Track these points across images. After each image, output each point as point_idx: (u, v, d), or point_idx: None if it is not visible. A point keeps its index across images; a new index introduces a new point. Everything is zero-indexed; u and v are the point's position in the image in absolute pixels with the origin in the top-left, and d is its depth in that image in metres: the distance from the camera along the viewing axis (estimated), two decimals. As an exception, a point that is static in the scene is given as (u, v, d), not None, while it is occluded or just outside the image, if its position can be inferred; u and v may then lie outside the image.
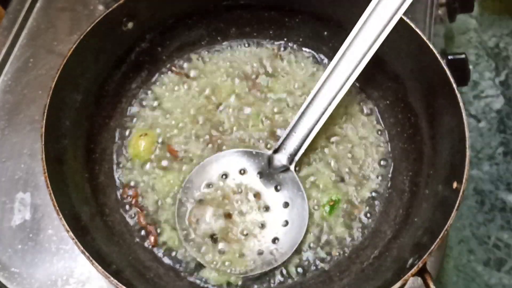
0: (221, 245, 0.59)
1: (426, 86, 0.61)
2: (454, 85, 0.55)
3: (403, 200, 0.62)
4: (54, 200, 0.50)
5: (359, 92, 0.68)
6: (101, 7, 0.75)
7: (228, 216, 0.60)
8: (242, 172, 0.62)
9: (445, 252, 0.65)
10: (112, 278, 0.48)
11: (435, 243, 0.49)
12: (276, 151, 0.61)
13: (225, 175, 0.62)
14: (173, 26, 0.67)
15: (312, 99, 0.60)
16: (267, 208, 0.61)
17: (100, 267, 0.49)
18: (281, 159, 0.61)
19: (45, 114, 0.54)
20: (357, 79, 0.68)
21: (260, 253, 0.59)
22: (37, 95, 0.69)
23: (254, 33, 0.70)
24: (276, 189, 0.61)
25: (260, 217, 0.60)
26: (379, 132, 0.66)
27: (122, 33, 0.62)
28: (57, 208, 0.50)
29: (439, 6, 0.78)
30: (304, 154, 0.62)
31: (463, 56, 0.78)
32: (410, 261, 0.51)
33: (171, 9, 0.65)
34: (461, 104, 0.54)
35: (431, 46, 0.57)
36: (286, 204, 0.61)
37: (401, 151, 0.65)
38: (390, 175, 0.64)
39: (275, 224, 0.60)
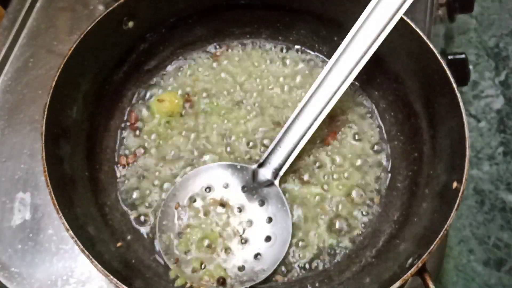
0: (201, 258, 0.58)
1: (426, 86, 0.61)
2: (454, 85, 0.55)
3: (403, 200, 0.62)
4: (54, 199, 0.50)
5: (359, 92, 0.68)
6: (101, 7, 0.75)
7: (210, 231, 0.59)
8: (226, 186, 0.61)
9: (445, 252, 0.65)
10: (112, 277, 0.48)
11: (434, 243, 0.49)
12: (260, 165, 0.61)
13: (208, 189, 0.61)
14: (174, 26, 0.67)
15: (298, 114, 0.60)
16: (250, 223, 0.60)
17: (100, 266, 0.49)
18: (265, 173, 0.61)
19: (45, 114, 0.54)
20: (357, 79, 0.68)
21: (241, 269, 0.58)
22: (37, 95, 0.69)
23: (254, 33, 0.70)
24: (260, 204, 0.61)
25: (242, 232, 0.59)
26: (379, 132, 0.66)
27: (122, 32, 0.62)
28: (57, 207, 0.50)
29: (439, 6, 0.78)
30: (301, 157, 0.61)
31: (463, 56, 0.78)
32: (410, 261, 0.51)
33: (172, 9, 0.65)
34: (461, 104, 0.54)
35: (431, 46, 0.57)
36: (269, 219, 0.60)
37: (401, 151, 0.65)
38: (390, 175, 0.64)
39: (257, 239, 0.59)
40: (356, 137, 0.66)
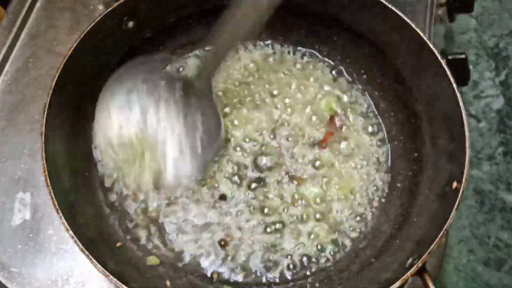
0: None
1: (426, 86, 0.61)
2: (454, 85, 0.55)
3: (403, 200, 0.62)
4: (54, 199, 0.50)
5: (359, 91, 0.68)
6: (101, 7, 0.75)
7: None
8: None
9: (445, 252, 0.65)
10: (112, 277, 0.48)
11: (434, 243, 0.49)
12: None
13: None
14: (174, 25, 0.67)
15: None
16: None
17: (100, 266, 0.49)
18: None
19: (45, 113, 0.54)
20: (358, 79, 0.69)
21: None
22: (37, 95, 0.69)
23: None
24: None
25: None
26: (379, 132, 0.66)
27: (122, 32, 0.62)
28: (57, 207, 0.50)
29: (439, 6, 0.78)
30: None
31: (463, 56, 0.78)
32: (410, 261, 0.51)
33: (172, 9, 0.65)
34: (461, 104, 0.54)
35: (431, 46, 0.57)
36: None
37: (401, 151, 0.65)
38: (390, 175, 0.64)
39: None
40: (356, 137, 0.66)
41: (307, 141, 0.65)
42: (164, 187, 0.58)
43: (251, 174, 0.63)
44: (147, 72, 0.58)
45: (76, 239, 0.49)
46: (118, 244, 0.58)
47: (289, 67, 0.69)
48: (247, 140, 0.65)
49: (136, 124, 0.57)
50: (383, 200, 0.63)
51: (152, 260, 0.58)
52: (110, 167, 0.58)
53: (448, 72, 0.56)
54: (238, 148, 0.64)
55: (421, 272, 0.50)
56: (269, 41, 0.71)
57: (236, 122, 0.66)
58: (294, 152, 0.64)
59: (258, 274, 0.59)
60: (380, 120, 0.67)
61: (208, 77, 0.59)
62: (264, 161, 0.63)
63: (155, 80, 0.58)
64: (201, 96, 0.59)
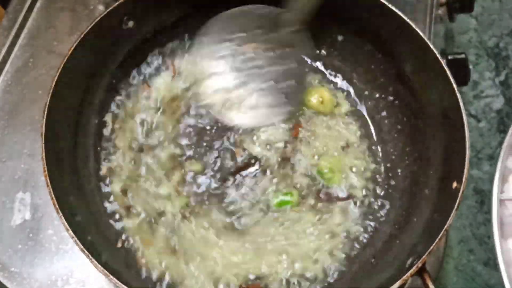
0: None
1: (426, 86, 0.61)
2: (454, 85, 0.55)
3: (403, 200, 0.62)
4: (54, 199, 0.50)
5: (359, 91, 0.68)
6: (101, 7, 0.75)
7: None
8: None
9: (445, 252, 0.65)
10: (111, 277, 0.48)
11: (434, 243, 0.49)
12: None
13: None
14: (174, 26, 0.67)
15: None
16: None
17: (100, 266, 0.49)
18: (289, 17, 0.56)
19: (45, 113, 0.54)
20: (358, 79, 0.69)
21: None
22: (37, 95, 0.69)
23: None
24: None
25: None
26: (379, 132, 0.66)
27: (122, 32, 0.62)
28: (57, 207, 0.50)
29: (439, 6, 0.78)
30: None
31: (463, 56, 0.78)
32: (409, 261, 0.51)
33: (172, 8, 0.65)
34: (461, 104, 0.54)
35: (431, 46, 0.57)
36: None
37: (401, 151, 0.65)
38: (390, 175, 0.64)
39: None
40: (356, 137, 0.66)
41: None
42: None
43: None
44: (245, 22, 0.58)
45: (76, 239, 0.49)
46: (118, 244, 0.58)
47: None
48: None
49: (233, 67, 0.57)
50: (383, 200, 0.63)
51: None
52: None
53: (448, 72, 0.56)
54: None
55: (421, 272, 0.50)
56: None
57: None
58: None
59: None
60: (380, 120, 0.67)
61: (300, 25, 0.56)
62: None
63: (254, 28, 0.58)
64: (296, 43, 0.57)
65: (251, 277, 0.58)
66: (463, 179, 0.52)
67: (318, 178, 0.63)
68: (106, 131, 0.65)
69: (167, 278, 0.57)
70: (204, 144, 0.65)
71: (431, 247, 0.49)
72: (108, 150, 0.64)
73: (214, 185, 0.63)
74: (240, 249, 0.59)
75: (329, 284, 0.58)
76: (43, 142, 0.53)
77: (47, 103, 0.54)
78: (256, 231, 0.60)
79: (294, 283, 0.59)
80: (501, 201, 0.43)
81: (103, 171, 0.63)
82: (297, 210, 0.62)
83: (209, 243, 0.59)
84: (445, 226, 0.50)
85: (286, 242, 0.60)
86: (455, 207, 0.50)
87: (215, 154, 0.64)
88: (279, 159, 0.64)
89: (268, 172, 0.63)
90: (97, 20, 0.58)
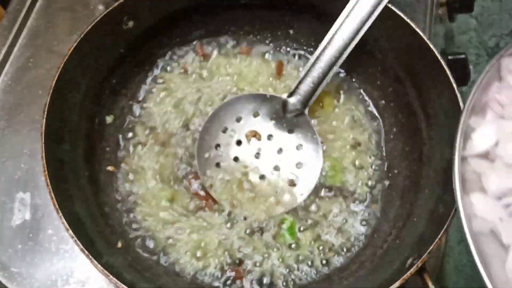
0: (239, 187, 0.61)
1: (426, 86, 0.61)
2: (454, 85, 0.55)
3: (403, 200, 0.62)
4: (54, 199, 0.51)
5: (359, 91, 0.68)
6: (101, 7, 0.75)
7: (243, 159, 0.62)
8: (256, 114, 0.64)
9: (445, 252, 0.65)
10: (111, 277, 0.48)
11: (434, 243, 0.49)
12: (290, 95, 0.63)
13: (239, 118, 0.63)
14: (174, 25, 0.67)
15: (327, 44, 0.60)
16: (280, 150, 0.62)
17: (100, 266, 0.49)
18: (295, 103, 0.62)
19: (45, 113, 0.54)
20: (357, 79, 0.69)
21: (276, 194, 0.61)
22: (37, 95, 0.69)
23: (254, 32, 0.70)
24: (289, 132, 0.63)
25: (274, 159, 0.62)
26: (379, 132, 0.66)
27: (122, 32, 0.62)
28: (57, 207, 0.50)
29: (439, 6, 0.78)
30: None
31: (463, 56, 0.78)
32: (410, 260, 0.51)
33: (171, 9, 0.65)
34: (461, 104, 0.54)
35: (431, 46, 0.57)
36: (299, 147, 0.63)
37: (401, 151, 0.65)
38: (390, 175, 0.64)
39: (289, 165, 0.62)
40: (356, 136, 0.66)
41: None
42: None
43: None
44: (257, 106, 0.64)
45: (76, 239, 0.49)
46: (119, 244, 0.58)
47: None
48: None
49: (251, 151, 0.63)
50: (383, 200, 0.63)
51: None
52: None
53: (448, 72, 0.56)
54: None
55: (421, 272, 0.50)
56: (270, 41, 0.71)
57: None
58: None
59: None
60: (380, 120, 0.67)
61: (307, 108, 0.63)
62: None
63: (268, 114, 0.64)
64: (305, 124, 0.63)
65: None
66: (463, 179, 0.52)
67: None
68: (107, 131, 0.65)
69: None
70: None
71: (431, 247, 0.49)
72: (109, 150, 0.64)
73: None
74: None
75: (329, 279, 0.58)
76: (43, 142, 0.53)
77: (47, 103, 0.54)
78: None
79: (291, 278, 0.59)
80: (463, 158, 0.44)
81: (104, 171, 0.63)
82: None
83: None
84: (445, 226, 0.50)
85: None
86: (455, 207, 0.50)
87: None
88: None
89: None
90: (97, 20, 0.58)
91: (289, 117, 0.63)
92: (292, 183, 0.61)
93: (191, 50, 0.70)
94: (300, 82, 0.62)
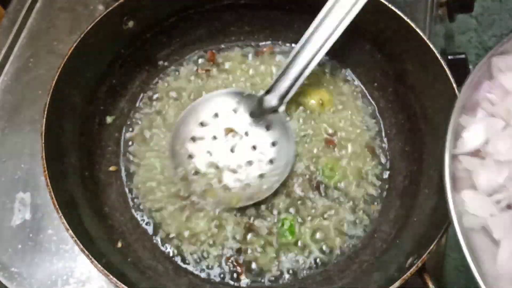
0: (209, 180, 0.61)
1: (426, 86, 0.61)
2: (454, 85, 0.55)
3: (403, 200, 0.62)
4: (54, 199, 0.51)
5: (359, 91, 0.68)
6: (101, 7, 0.75)
7: (217, 154, 0.63)
8: (234, 111, 0.64)
9: (445, 252, 0.65)
10: (111, 277, 0.48)
11: (434, 243, 0.49)
12: (267, 92, 0.64)
13: (216, 114, 0.64)
14: (173, 26, 0.67)
15: (304, 43, 0.61)
16: (255, 147, 0.63)
17: (100, 266, 0.49)
18: (271, 100, 0.63)
19: (45, 113, 0.54)
20: (357, 79, 0.69)
21: (246, 185, 0.61)
22: (37, 95, 0.69)
23: (254, 32, 0.70)
24: (265, 129, 0.64)
25: (248, 155, 0.62)
26: (379, 132, 0.66)
27: (122, 32, 0.62)
28: (57, 207, 0.50)
29: (439, 6, 0.78)
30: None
31: (463, 56, 0.78)
32: (409, 260, 0.51)
33: (172, 8, 0.65)
34: (461, 104, 0.54)
35: (431, 46, 0.57)
36: (273, 144, 0.63)
37: (401, 151, 0.65)
38: (389, 175, 0.64)
39: (262, 161, 0.62)
40: (356, 136, 0.66)
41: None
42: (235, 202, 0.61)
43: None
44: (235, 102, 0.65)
45: (76, 239, 0.49)
46: (119, 244, 0.58)
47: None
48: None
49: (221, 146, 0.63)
50: (383, 200, 0.63)
51: None
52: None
53: (448, 72, 0.56)
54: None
55: (421, 272, 0.50)
56: (270, 41, 0.71)
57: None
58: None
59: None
60: (380, 120, 0.67)
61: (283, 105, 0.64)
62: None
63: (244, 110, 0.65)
64: (280, 122, 0.64)
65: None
66: (463, 179, 0.52)
67: (318, 175, 0.63)
68: (107, 131, 0.65)
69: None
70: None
71: (431, 247, 0.49)
72: (109, 150, 0.64)
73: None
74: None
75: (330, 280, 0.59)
76: (43, 142, 0.53)
77: (47, 103, 0.54)
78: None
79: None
80: (454, 156, 0.45)
81: (104, 171, 0.63)
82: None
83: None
84: (445, 226, 0.50)
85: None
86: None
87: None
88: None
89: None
90: (97, 20, 0.58)
91: (266, 114, 0.64)
92: (262, 178, 0.62)
93: (191, 50, 0.70)
94: (277, 80, 0.63)
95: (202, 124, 0.64)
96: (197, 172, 0.62)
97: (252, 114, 0.64)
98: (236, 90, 0.66)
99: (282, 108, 0.64)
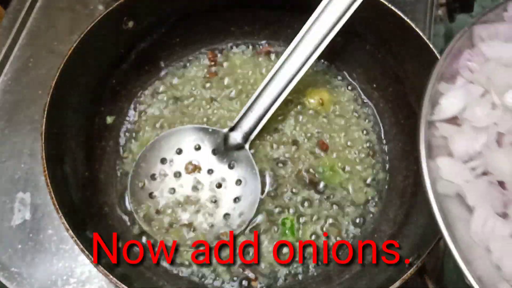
0: (172, 219, 0.60)
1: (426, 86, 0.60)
2: (454, 85, 0.55)
3: (403, 200, 0.62)
4: (54, 199, 0.50)
5: (359, 91, 0.68)
6: (101, 7, 0.75)
7: (180, 191, 0.61)
8: (197, 147, 0.63)
9: (445, 252, 0.65)
10: (111, 277, 0.48)
11: (434, 243, 0.49)
12: (232, 129, 0.63)
13: (179, 150, 0.63)
14: (173, 26, 0.67)
15: (270, 81, 0.61)
16: (219, 185, 0.62)
17: (100, 266, 0.49)
18: (236, 137, 0.63)
19: (45, 113, 0.54)
20: (357, 79, 0.69)
21: (211, 227, 0.60)
22: (37, 95, 0.69)
23: (254, 32, 0.70)
24: (230, 167, 0.62)
25: (212, 193, 0.61)
26: (379, 132, 0.66)
27: (122, 32, 0.62)
28: (57, 207, 0.50)
29: (439, 6, 0.78)
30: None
31: (463, 56, 0.78)
32: (410, 260, 0.51)
33: (171, 9, 0.65)
34: (461, 103, 0.54)
35: (431, 46, 0.57)
36: (238, 182, 0.62)
37: (401, 151, 0.65)
38: (389, 175, 0.64)
39: (226, 200, 0.61)
40: (356, 137, 0.66)
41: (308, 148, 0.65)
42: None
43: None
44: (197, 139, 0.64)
45: (76, 239, 0.49)
46: (119, 245, 0.58)
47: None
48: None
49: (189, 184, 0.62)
50: (383, 200, 0.63)
51: None
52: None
53: (448, 72, 0.55)
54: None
55: (421, 272, 0.50)
56: (271, 41, 0.71)
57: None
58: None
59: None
60: (380, 120, 0.67)
61: (248, 142, 0.63)
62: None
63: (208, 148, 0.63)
64: (246, 159, 0.63)
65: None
66: (463, 179, 0.51)
67: (318, 176, 0.63)
68: (107, 131, 0.65)
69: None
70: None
71: (431, 247, 0.49)
72: (109, 150, 0.64)
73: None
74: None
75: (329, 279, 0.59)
76: (43, 142, 0.53)
77: (47, 103, 0.54)
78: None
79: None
80: (431, 123, 0.44)
81: (104, 171, 0.63)
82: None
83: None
84: (445, 226, 0.50)
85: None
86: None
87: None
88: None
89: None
90: (97, 20, 0.58)
91: (231, 151, 0.62)
92: (227, 217, 0.60)
93: (191, 50, 0.70)
94: (242, 117, 0.62)
95: (164, 161, 0.62)
96: (158, 212, 0.60)
97: (216, 151, 0.63)
98: (200, 126, 0.64)
99: (247, 146, 0.62)
